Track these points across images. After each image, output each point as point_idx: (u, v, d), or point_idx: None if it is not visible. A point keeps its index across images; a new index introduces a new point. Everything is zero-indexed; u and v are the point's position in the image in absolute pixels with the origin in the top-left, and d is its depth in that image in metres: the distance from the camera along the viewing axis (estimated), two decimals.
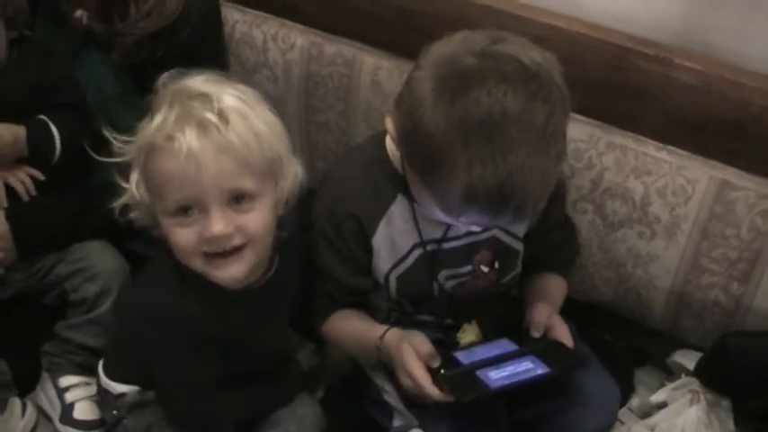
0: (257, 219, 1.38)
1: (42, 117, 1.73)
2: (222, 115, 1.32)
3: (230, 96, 1.36)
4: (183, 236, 1.36)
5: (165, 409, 1.59)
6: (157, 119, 1.35)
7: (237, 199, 1.35)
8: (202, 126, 1.31)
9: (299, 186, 1.47)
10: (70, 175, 1.77)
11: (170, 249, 1.41)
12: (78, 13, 1.78)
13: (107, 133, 1.40)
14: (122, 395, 1.62)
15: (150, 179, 1.37)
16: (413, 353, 1.47)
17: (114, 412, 1.64)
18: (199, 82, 1.38)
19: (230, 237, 1.36)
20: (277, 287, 1.54)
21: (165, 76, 1.40)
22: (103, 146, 1.43)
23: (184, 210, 1.35)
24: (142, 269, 1.58)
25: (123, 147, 1.39)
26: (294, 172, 1.45)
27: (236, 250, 1.38)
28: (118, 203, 1.43)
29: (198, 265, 1.39)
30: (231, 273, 1.39)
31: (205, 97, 1.34)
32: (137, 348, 1.52)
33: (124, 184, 1.42)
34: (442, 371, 1.45)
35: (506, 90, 1.27)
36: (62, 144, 1.72)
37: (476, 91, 1.28)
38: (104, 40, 1.77)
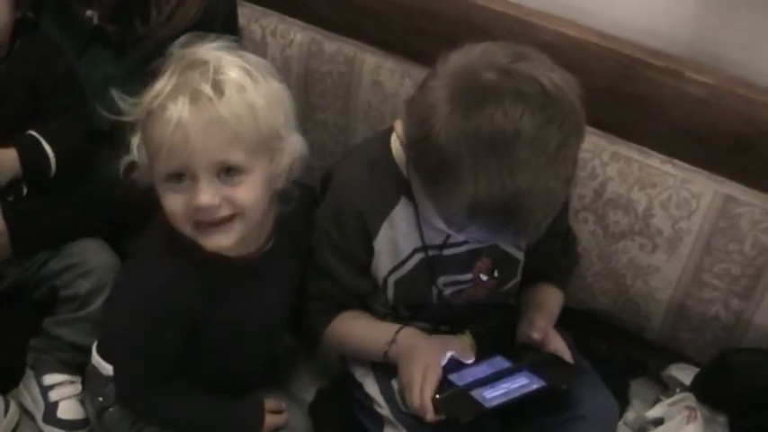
0: (246, 191, 1.38)
1: (33, 134, 1.69)
2: (217, 87, 1.33)
3: (233, 67, 1.37)
4: (173, 202, 1.38)
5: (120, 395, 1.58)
6: (158, 85, 1.37)
7: (227, 171, 1.36)
8: (195, 97, 1.33)
9: (302, 160, 1.47)
10: (68, 176, 1.73)
11: (164, 220, 1.42)
12: (89, 12, 1.74)
13: (116, 95, 1.40)
14: (111, 379, 1.59)
15: (147, 144, 1.40)
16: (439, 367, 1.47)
17: (100, 399, 1.61)
18: (206, 50, 1.39)
19: (217, 208, 1.37)
20: (273, 261, 1.54)
21: (180, 40, 1.41)
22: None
23: (177, 176, 1.36)
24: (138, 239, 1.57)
25: (131, 109, 1.40)
26: (293, 148, 1.44)
27: (226, 221, 1.39)
28: (124, 161, 1.44)
29: (188, 230, 1.40)
30: (218, 241, 1.40)
31: (204, 67, 1.35)
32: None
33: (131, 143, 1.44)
34: (437, 395, 1.44)
35: (523, 111, 1.27)
36: (57, 159, 1.69)
37: (491, 108, 1.27)
38: (116, 40, 1.73)
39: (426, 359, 1.48)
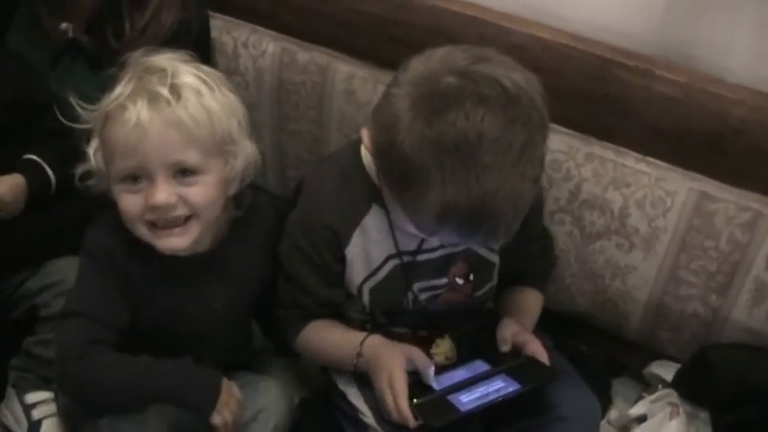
0: (201, 192, 1.42)
1: (35, 158, 1.70)
2: (175, 90, 1.38)
3: (188, 74, 1.43)
4: (129, 201, 1.41)
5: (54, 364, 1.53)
6: (117, 90, 1.41)
7: (183, 172, 1.40)
8: (153, 99, 1.37)
9: (254, 167, 1.51)
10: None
11: None
12: (64, 25, 1.73)
13: (73, 101, 1.44)
14: None
15: (104, 146, 1.43)
16: (403, 369, 1.47)
17: None
18: (162, 59, 1.44)
19: (173, 206, 1.40)
20: (221, 262, 1.55)
21: (136, 52, 1.45)
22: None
23: (133, 178, 1.40)
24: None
25: (88, 115, 1.44)
26: (246, 153, 1.48)
27: (181, 222, 1.42)
28: (79, 170, 1.48)
29: (142, 232, 1.43)
30: (173, 244, 1.44)
31: (162, 72, 1.40)
32: None
33: (87, 150, 1.47)
34: (415, 400, 1.44)
35: (484, 114, 1.27)
36: (56, 182, 1.71)
37: (453, 113, 1.27)
38: (93, 53, 1.73)
39: (388, 368, 1.47)
